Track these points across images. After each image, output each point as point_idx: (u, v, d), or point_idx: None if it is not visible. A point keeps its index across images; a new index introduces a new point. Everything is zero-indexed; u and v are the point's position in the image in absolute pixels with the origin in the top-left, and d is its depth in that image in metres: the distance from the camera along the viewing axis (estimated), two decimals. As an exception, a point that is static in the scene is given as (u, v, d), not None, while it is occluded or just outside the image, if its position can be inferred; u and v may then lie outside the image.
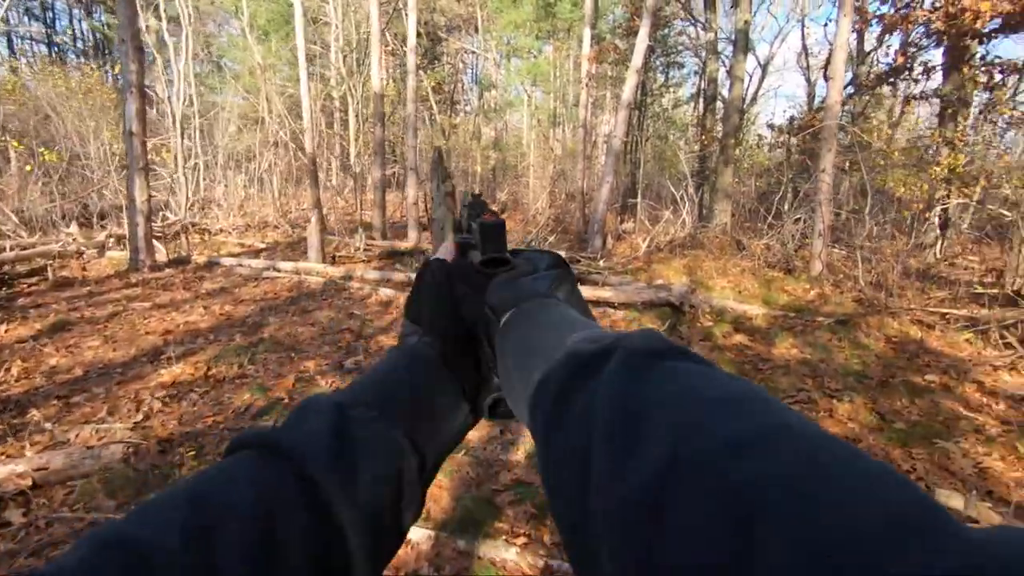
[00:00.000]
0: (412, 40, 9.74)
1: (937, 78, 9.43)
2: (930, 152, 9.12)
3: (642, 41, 8.86)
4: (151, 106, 13.70)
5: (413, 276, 5.93)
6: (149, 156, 10.39)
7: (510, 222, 14.46)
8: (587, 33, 11.67)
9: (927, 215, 7.76)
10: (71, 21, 27.26)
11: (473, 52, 21.65)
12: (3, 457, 2.65)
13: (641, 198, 12.09)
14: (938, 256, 8.76)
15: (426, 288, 0.50)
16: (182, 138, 10.60)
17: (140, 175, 6.68)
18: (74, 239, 7.63)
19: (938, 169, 7.66)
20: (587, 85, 12.33)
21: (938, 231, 8.79)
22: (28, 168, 8.93)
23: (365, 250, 8.61)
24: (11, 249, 6.72)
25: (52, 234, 8.04)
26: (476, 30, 19.31)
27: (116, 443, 2.70)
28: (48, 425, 3.04)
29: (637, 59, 8.94)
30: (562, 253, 8.40)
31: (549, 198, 13.65)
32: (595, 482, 0.24)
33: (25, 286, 5.94)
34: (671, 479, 0.21)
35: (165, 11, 12.30)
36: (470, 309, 0.47)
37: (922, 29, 9.35)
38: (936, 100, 9.33)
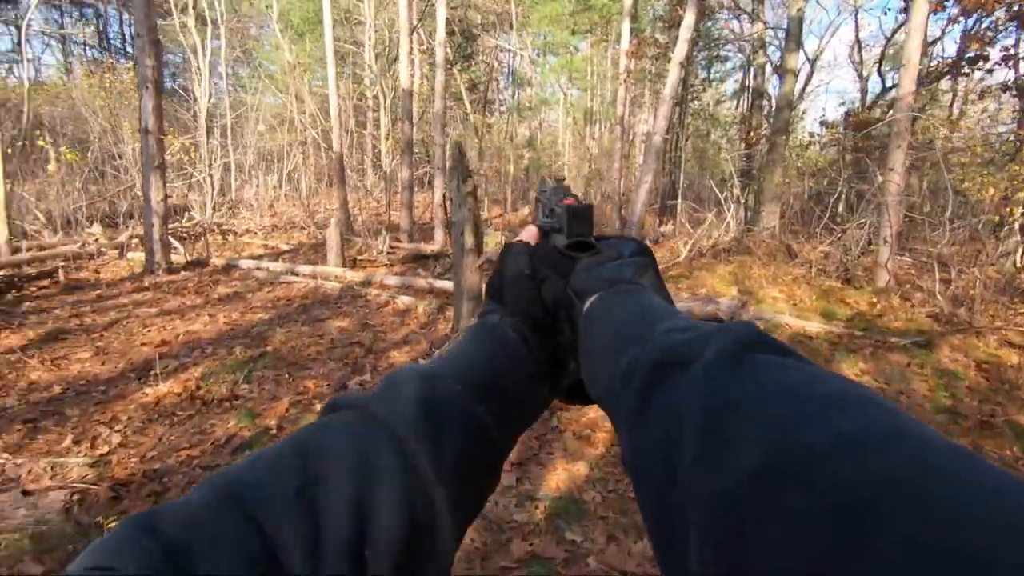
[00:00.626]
0: (441, 33, 9.31)
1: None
2: (1000, 149, 8.16)
3: (686, 30, 8.19)
4: (187, 107, 13.72)
5: (434, 283, 5.44)
6: (178, 156, 10.30)
7: (543, 224, 13.92)
8: (626, 26, 11.03)
9: (1013, 217, 6.84)
10: (121, 26, 28.06)
11: (508, 50, 21.19)
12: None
13: (682, 199, 11.38)
14: (1019, 265, 7.80)
15: (510, 269, 0.49)
16: (207, 137, 10.44)
17: (156, 174, 6.43)
18: (95, 239, 7.48)
19: (1020, 168, 6.75)
20: (625, 81, 11.69)
21: (1019, 236, 7.84)
22: (51, 168, 8.88)
23: (388, 253, 8.21)
24: (27, 250, 6.57)
25: (74, 234, 7.92)
26: (511, 27, 18.83)
27: (59, 488, 2.30)
28: (5, 456, 2.67)
29: (680, 51, 8.28)
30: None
31: (584, 198, 13.05)
32: (689, 475, 0.24)
33: (35, 289, 5.74)
34: (774, 474, 0.20)
35: (194, 10, 12.25)
36: (552, 292, 0.47)
37: (1003, 12, 8.41)
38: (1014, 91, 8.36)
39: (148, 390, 3.50)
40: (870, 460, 0.19)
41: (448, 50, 18.33)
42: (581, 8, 15.92)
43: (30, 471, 2.58)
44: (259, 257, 8.03)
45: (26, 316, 4.87)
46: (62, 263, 6.43)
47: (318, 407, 3.34)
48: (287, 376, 3.86)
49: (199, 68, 11.46)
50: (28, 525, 2.12)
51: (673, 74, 8.35)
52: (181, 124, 13.12)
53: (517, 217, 14.80)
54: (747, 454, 0.21)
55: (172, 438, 2.96)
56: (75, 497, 2.26)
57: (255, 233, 10.31)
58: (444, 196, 5.00)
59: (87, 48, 26.71)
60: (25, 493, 2.22)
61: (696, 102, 15.09)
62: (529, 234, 0.56)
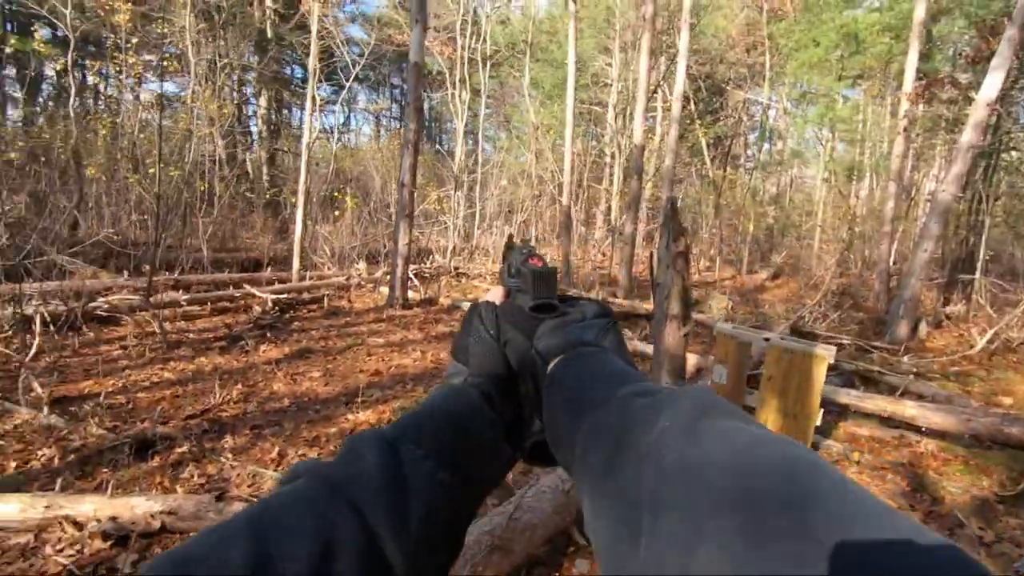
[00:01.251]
0: (679, 87, 9.04)
1: None
2: None
3: (999, 67, 6.47)
4: (444, 165, 15.87)
5: (640, 346, 5.02)
6: (433, 205, 11.84)
7: (784, 288, 12.29)
8: (911, 63, 9.28)
9: None
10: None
11: (758, 102, 19.83)
12: (151, 489, 2.71)
13: (981, 274, 8.88)
14: None
15: (474, 330, 0.51)
16: (456, 190, 11.77)
17: (404, 222, 7.36)
18: (359, 274, 8.89)
19: None
20: (905, 130, 9.77)
21: None
22: (337, 213, 10.95)
23: (600, 308, 8.02)
24: (309, 279, 8.07)
25: (346, 268, 9.53)
26: (764, 79, 17.59)
27: (241, 500, 2.52)
28: (228, 456, 3.10)
29: (989, 89, 6.55)
30: (845, 340, 6.45)
31: (838, 265, 11.16)
32: (649, 539, 0.25)
33: (305, 311, 6.96)
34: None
35: (469, 83, 14.18)
36: (516, 352, 0.49)
37: None
38: None
39: (350, 416, 3.81)
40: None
41: (693, 106, 17.93)
42: (851, 52, 14.07)
43: (238, 475, 2.93)
44: (480, 301, 8.58)
45: (291, 333, 5.89)
46: (329, 292, 7.73)
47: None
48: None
49: (458, 131, 13.13)
50: (211, 529, 2.35)
51: (976, 117, 6.64)
52: (440, 179, 15.24)
53: (752, 280, 13.35)
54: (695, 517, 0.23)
55: (351, 469, 3.11)
56: (251, 512, 2.45)
57: (485, 278, 11.16)
58: (651, 256, 4.62)
59: (391, 119, 33.19)
60: (218, 499, 2.49)
61: (1013, 153, 11.86)
62: (495, 294, 0.57)
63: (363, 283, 8.76)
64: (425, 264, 10.64)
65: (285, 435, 3.46)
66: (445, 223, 12.77)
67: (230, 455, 3.11)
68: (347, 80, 12.73)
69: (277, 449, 3.24)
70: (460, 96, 14.43)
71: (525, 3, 19.41)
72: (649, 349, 5.68)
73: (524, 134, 18.54)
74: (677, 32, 15.02)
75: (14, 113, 18.62)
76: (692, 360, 5.11)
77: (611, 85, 17.60)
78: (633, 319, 7.75)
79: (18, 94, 20.22)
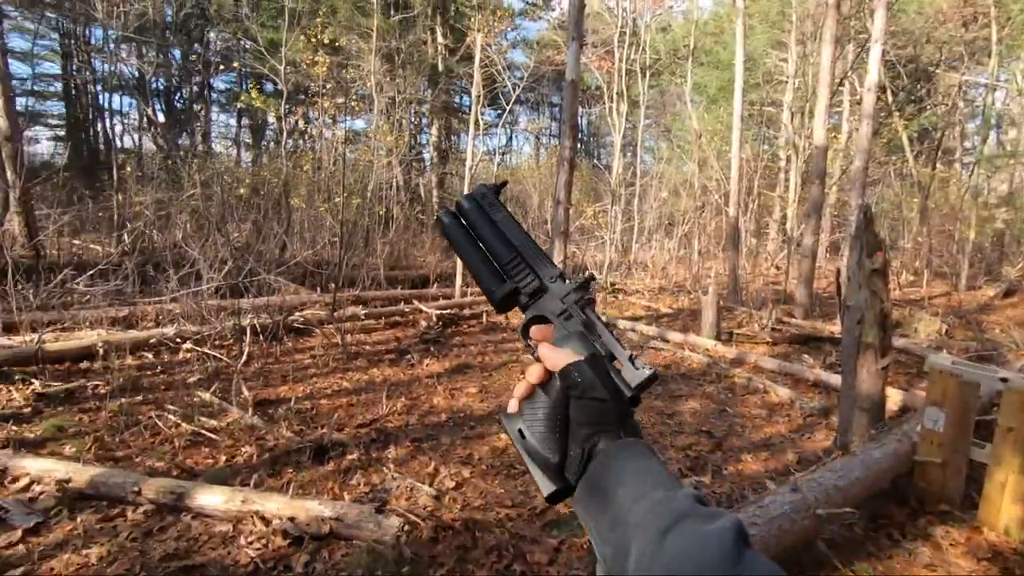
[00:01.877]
0: (872, 76, 7.85)
1: None
2: None
3: None
4: (601, 179, 15.71)
5: (822, 375, 4.38)
6: (590, 221, 11.76)
7: (1020, 308, 9.96)
8: None
9: None
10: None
11: (978, 85, 16.54)
12: (323, 494, 2.93)
13: None
14: None
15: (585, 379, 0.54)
16: (612, 204, 11.54)
17: (560, 238, 7.37)
18: (516, 290, 9.11)
19: None
20: None
21: None
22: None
23: (773, 329, 7.21)
24: (471, 295, 8.45)
25: (504, 284, 9.83)
26: (988, 56, 14.62)
27: (398, 514, 2.62)
28: (390, 467, 3.29)
29: None
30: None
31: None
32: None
33: (465, 327, 7.28)
34: None
35: (628, 95, 13.94)
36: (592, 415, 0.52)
37: None
38: None
39: (502, 435, 3.83)
40: None
41: (890, 96, 15.55)
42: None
43: (398, 487, 3.08)
44: (637, 318, 8.25)
45: (452, 348, 6.18)
46: (488, 308, 8.01)
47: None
48: (621, 454, 3.63)
49: (615, 143, 12.92)
50: (370, 540, 2.47)
51: None
52: (597, 194, 15.14)
53: (975, 298, 11.06)
54: None
55: (501, 491, 3.10)
56: (406, 528, 2.54)
57: (642, 294, 10.74)
58: (838, 273, 3.97)
59: (550, 136, 33.95)
60: (378, 511, 2.62)
61: None
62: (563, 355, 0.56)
63: (520, 299, 8.94)
64: (581, 280, 10.57)
65: (442, 450, 3.58)
66: (602, 238, 12.61)
67: (392, 466, 3.30)
68: (508, 103, 13.29)
69: (433, 464, 3.35)
70: (618, 109, 14.24)
71: (688, 7, 18.62)
72: (833, 379, 4.93)
73: (686, 142, 17.67)
74: (868, 15, 13.16)
75: (246, 155, 22.59)
76: (895, 396, 4.31)
77: (786, 82, 16.03)
78: (814, 343, 6.82)
79: (249, 140, 24.51)
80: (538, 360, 0.57)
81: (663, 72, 17.76)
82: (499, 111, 22.88)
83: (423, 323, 6.99)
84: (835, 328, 7.30)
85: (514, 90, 13.05)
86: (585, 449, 0.51)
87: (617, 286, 10.96)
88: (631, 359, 0.56)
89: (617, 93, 14.29)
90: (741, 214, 12.29)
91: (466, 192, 0.70)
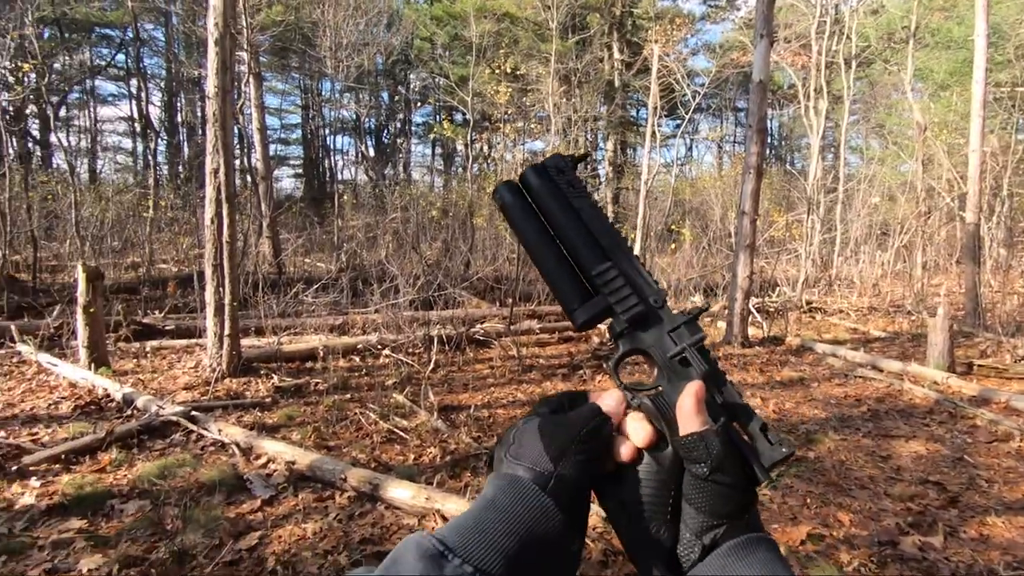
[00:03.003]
0: None
1: None
2: None
3: None
4: (795, 186, 14.18)
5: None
6: (781, 232, 10.67)
7: None
8: None
9: None
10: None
11: None
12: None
13: None
14: None
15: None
16: (808, 213, 10.32)
17: (745, 252, 6.81)
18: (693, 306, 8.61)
19: None
20: None
21: None
22: (673, 246, 10.85)
23: (1034, 362, 5.76)
24: (645, 311, 8.21)
25: (682, 301, 9.37)
26: None
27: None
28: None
29: None
30: None
31: None
32: None
33: (640, 344, 7.07)
34: None
35: (827, 91, 12.47)
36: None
37: None
38: None
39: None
40: None
41: None
42: None
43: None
44: (840, 342, 7.22)
45: (625, 366, 6.02)
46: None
47: (843, 554, 2.59)
48: (818, 495, 3.18)
49: (814, 146, 11.58)
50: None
51: None
52: (790, 203, 13.66)
53: None
54: None
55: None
56: (575, 546, 2.51)
57: (847, 314, 9.39)
58: None
59: (735, 143, 31.79)
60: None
61: None
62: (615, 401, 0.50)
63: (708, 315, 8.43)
64: (770, 298, 9.61)
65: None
66: (796, 251, 11.34)
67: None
68: (687, 112, 12.74)
69: (604, 484, 3.28)
70: (815, 107, 12.76)
71: (906, -18, 16.04)
72: None
73: (905, 139, 15.15)
74: None
75: (438, 181, 24.95)
76: None
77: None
78: (1100, 382, 5.29)
79: (441, 167, 27.09)
80: (646, 415, 0.47)
81: (874, 61, 15.51)
82: (678, 121, 22.08)
83: (596, 339, 6.95)
84: None
85: (694, 98, 12.48)
86: (704, 543, 0.42)
87: (815, 304, 9.74)
88: (763, 430, 0.45)
89: (815, 90, 12.82)
90: (984, 219, 10.11)
91: (533, 163, 0.56)
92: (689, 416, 0.44)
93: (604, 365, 5.94)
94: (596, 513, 2.88)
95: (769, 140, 27.87)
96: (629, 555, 0.46)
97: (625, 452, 0.46)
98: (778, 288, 10.17)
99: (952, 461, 3.70)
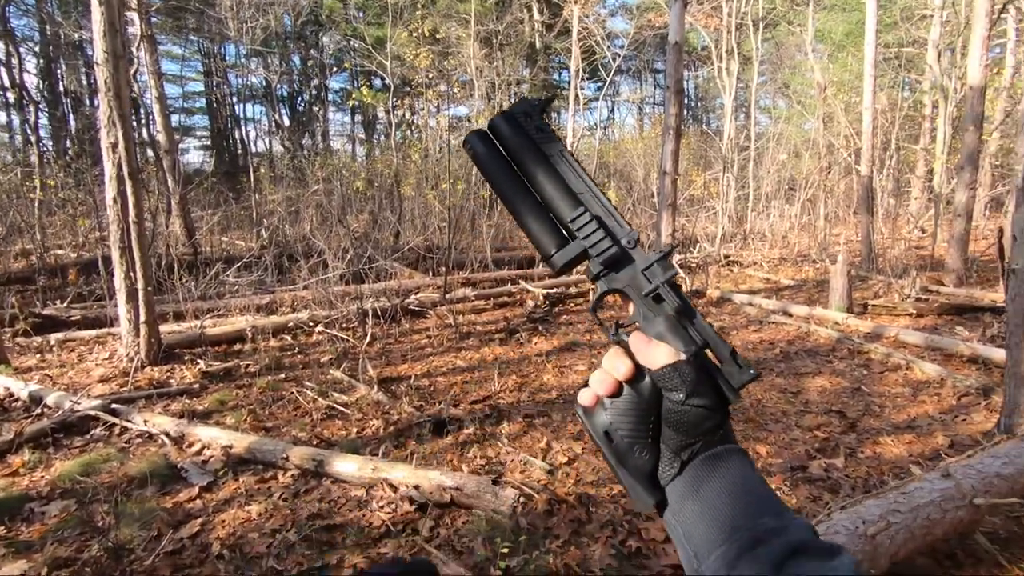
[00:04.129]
0: (1045, -2, 6.61)
1: None
2: None
3: None
4: (711, 146, 14.82)
5: (981, 349, 3.91)
6: (699, 191, 11.17)
7: None
8: None
9: None
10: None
11: None
12: (443, 466, 3.10)
13: None
14: None
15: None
16: (724, 172, 10.85)
17: (667, 211, 7.08)
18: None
19: None
20: None
21: None
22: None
23: (918, 299, 6.44)
24: (576, 273, 8.41)
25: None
26: None
27: (515, 487, 2.72)
28: (504, 441, 3.41)
29: None
30: None
31: None
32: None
33: (572, 305, 7.28)
34: None
35: (738, 52, 12.96)
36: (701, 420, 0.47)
37: None
38: None
39: (613, 413, 3.81)
40: None
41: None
42: None
43: (512, 461, 3.19)
44: (755, 292, 7.75)
45: (559, 327, 6.22)
46: (594, 286, 7.93)
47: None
48: (739, 431, 3.47)
49: (727, 107, 12.08)
50: (489, 509, 2.59)
51: None
52: (707, 162, 14.28)
53: None
54: None
55: (606, 468, 3.09)
56: (521, 499, 2.63)
57: (761, 265, 10.06)
58: (1000, 232, 3.41)
59: (655, 105, 32.53)
60: (495, 482, 2.73)
61: None
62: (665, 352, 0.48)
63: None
64: (691, 254, 10.10)
65: (553, 426, 3.64)
66: (714, 208, 11.92)
67: (506, 440, 3.41)
68: (608, 75, 12.89)
69: (545, 440, 3.42)
70: (728, 68, 13.27)
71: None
72: (994, 354, 4.33)
73: (808, 97, 16.09)
74: (1040, -77, 11.03)
75: (360, 150, 24.05)
76: (1075, 374, 3.68)
77: (930, 16, 13.97)
78: (970, 314, 6.01)
79: (362, 135, 26.05)
80: (625, 349, 0.50)
81: (779, 23, 16.23)
82: (599, 83, 22.28)
83: (530, 303, 7.08)
84: (997, 296, 6.36)
85: (614, 60, 12.63)
86: (682, 459, 0.46)
87: (732, 258, 10.35)
88: (732, 355, 0.48)
89: (727, 51, 13.30)
90: (876, 172, 11.01)
91: (502, 110, 0.56)
92: (646, 349, 0.48)
93: (539, 327, 6.09)
94: (540, 468, 3.01)
95: (686, 101, 28.72)
96: (616, 475, 0.50)
97: (602, 385, 0.49)
98: (698, 244, 10.69)
99: (851, 392, 4.13)
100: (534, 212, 0.53)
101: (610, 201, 0.54)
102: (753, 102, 13.68)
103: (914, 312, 6.11)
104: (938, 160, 12.08)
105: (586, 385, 0.51)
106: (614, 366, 0.48)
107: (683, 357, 0.46)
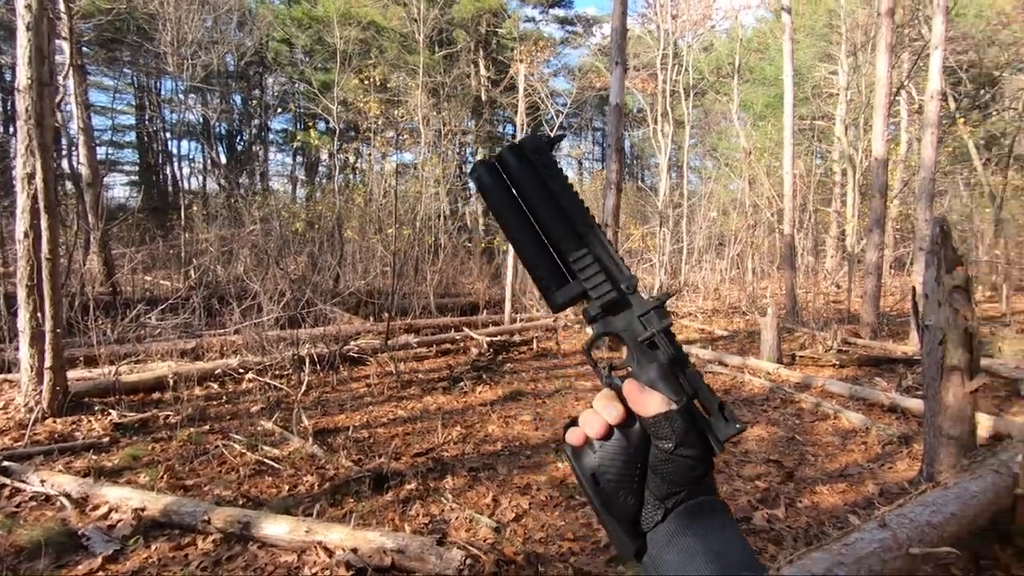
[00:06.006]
0: (934, 83, 7.50)
1: None
2: None
3: None
4: (648, 201, 15.56)
5: (899, 399, 4.12)
6: (638, 243, 11.60)
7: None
8: None
9: None
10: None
11: (1054, 86, 15.51)
12: (383, 525, 2.92)
13: None
14: None
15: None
16: (660, 226, 11.37)
17: (609, 262, 7.28)
18: (565, 315, 9.03)
19: None
20: None
21: None
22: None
23: (839, 351, 6.85)
24: (520, 321, 8.43)
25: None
26: (1061, 55, 13.76)
27: (459, 547, 2.58)
28: (449, 497, 3.26)
29: None
30: None
31: None
32: None
33: (516, 353, 7.25)
34: None
35: (672, 115, 13.85)
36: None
37: None
38: None
39: (559, 464, 3.74)
40: None
41: (951, 103, 14.82)
42: None
43: (457, 519, 3.04)
44: (692, 342, 8.01)
45: (503, 375, 6.15)
46: (538, 334, 7.97)
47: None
48: (685, 485, 3.48)
49: (663, 167, 12.79)
50: (432, 574, 2.43)
51: None
52: (644, 216, 14.97)
53: (1063, 314, 10.22)
54: None
55: (562, 523, 3.01)
56: (468, 561, 2.49)
57: (695, 316, 10.45)
58: (914, 291, 3.71)
59: (593, 161, 34.00)
60: (439, 543, 2.58)
61: None
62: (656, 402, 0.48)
63: (569, 324, 8.86)
64: (631, 303, 10.38)
65: (499, 480, 3.52)
66: (651, 260, 12.41)
67: (450, 496, 3.26)
68: (552, 130, 13.42)
69: (492, 494, 3.30)
70: (662, 130, 14.14)
71: (731, 25, 18.46)
72: (910, 404, 4.62)
73: (734, 160, 17.33)
74: (923, 22, 12.69)
75: (301, 192, 23.57)
76: (985, 423, 3.98)
77: (837, 95, 15.56)
78: (886, 365, 6.43)
79: (304, 176, 25.62)
80: (617, 394, 0.49)
81: (707, 92, 17.58)
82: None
83: (474, 350, 7.00)
84: (908, 348, 6.87)
85: (557, 117, 13.18)
86: (667, 506, 0.46)
87: (668, 309, 10.71)
88: (720, 408, 0.49)
89: (661, 114, 14.21)
90: (796, 231, 11.86)
91: (511, 142, 0.56)
92: (639, 396, 0.47)
93: (483, 375, 5.99)
94: (486, 525, 2.89)
95: (625, 159, 30.26)
96: (599, 520, 0.49)
97: (592, 427, 0.48)
98: (663, 288, 11.01)
99: (787, 441, 4.26)
100: (536, 247, 0.53)
101: (611, 244, 0.54)
102: (685, 162, 14.58)
103: (837, 363, 6.47)
104: (849, 223, 13.19)
105: (574, 423, 0.50)
106: (606, 410, 0.48)
107: (675, 407, 0.46)
